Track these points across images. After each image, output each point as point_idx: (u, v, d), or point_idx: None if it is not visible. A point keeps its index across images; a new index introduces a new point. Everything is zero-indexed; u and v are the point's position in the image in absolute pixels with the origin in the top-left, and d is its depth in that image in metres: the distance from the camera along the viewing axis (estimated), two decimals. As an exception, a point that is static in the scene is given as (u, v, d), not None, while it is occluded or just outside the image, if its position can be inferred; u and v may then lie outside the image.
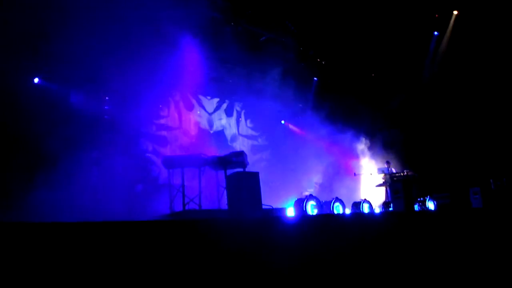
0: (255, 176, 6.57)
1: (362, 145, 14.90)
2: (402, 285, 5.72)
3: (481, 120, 13.20)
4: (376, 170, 12.85)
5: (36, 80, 10.01)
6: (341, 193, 12.30)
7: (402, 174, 11.92)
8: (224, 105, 14.29)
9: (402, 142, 14.06)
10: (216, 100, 14.07)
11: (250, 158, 9.83)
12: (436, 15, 13.67)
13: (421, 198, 11.87)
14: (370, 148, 14.84)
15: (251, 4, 12.22)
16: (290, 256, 5.08)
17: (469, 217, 8.44)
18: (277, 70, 13.41)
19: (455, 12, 13.61)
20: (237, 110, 14.65)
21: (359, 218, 8.05)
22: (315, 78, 15.60)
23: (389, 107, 14.07)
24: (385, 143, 14.52)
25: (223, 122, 14.12)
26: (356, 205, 11.25)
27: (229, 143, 14.00)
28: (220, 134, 13.90)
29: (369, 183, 13.48)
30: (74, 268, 3.63)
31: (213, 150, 12.39)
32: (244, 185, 6.38)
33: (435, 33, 14.38)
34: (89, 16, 9.12)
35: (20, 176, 8.08)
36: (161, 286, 4.04)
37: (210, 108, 13.84)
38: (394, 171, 12.47)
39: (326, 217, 8.15)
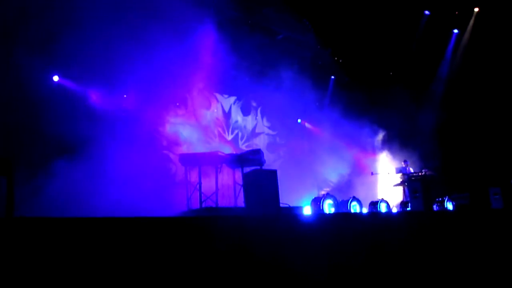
0: (273, 174, 6.54)
1: (379, 138, 14.76)
2: (419, 285, 5.66)
3: (501, 119, 12.97)
4: (394, 170, 12.73)
5: (56, 78, 10.13)
6: (358, 192, 12.21)
7: (420, 173, 11.79)
8: (241, 103, 14.29)
9: (421, 139, 13.92)
10: (233, 98, 14.08)
11: (267, 156, 9.81)
12: (456, 12, 13.47)
13: (440, 199, 11.72)
14: (387, 144, 14.68)
15: (269, 2, 12.22)
16: (307, 254, 5.06)
17: (489, 217, 8.30)
18: (294, 68, 13.37)
19: (476, 10, 13.40)
20: (253, 109, 14.65)
21: (376, 218, 7.98)
22: (332, 77, 15.52)
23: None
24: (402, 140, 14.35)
25: (239, 120, 14.13)
26: (373, 204, 11.16)
27: (246, 141, 14.00)
28: (237, 132, 13.91)
29: (387, 182, 13.36)
30: (87, 263, 3.66)
31: (230, 148, 12.41)
32: (262, 183, 6.36)
33: (455, 31, 14.20)
34: (106, 14, 9.23)
35: (38, 171, 8.19)
36: (177, 282, 4.06)
37: (226, 106, 13.87)
38: (412, 170, 12.34)
39: (343, 216, 8.10)
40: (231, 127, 13.82)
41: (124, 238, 4.01)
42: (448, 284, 5.93)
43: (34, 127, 8.74)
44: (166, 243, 4.21)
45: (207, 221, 5.34)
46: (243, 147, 13.56)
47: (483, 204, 11.64)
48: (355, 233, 5.95)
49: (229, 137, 13.58)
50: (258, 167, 8.46)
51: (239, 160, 8.65)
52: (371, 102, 14.46)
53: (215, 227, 4.86)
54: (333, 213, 9.56)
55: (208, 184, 9.02)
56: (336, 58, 14.87)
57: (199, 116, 12.74)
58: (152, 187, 9.33)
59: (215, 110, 13.48)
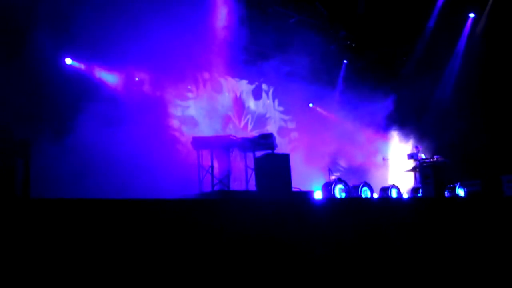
0: (285, 158, 6.55)
1: (392, 120, 14.65)
2: (427, 271, 5.67)
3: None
4: (405, 156, 12.67)
5: (68, 60, 10.19)
6: (370, 178, 12.20)
7: (432, 159, 11.71)
8: (253, 87, 14.26)
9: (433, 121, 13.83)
10: (244, 81, 14.05)
11: (278, 141, 9.79)
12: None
13: (451, 185, 11.66)
14: (399, 126, 14.57)
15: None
16: (318, 238, 5.09)
17: (501, 205, 8.25)
18: (307, 52, 13.26)
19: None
20: (265, 93, 14.61)
21: (387, 203, 7.99)
22: (345, 61, 15.39)
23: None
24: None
25: (251, 104, 14.11)
26: (384, 190, 11.16)
27: (257, 126, 14.00)
28: (249, 116, 13.90)
29: (398, 168, 13.30)
30: (99, 243, 3.72)
31: (242, 132, 12.42)
32: (274, 167, 6.38)
33: (471, 15, 13.96)
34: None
35: (52, 152, 8.27)
36: (190, 263, 4.12)
37: (238, 90, 13.84)
38: (423, 156, 12.27)
39: (353, 201, 8.13)
40: (243, 112, 13.81)
41: (136, 220, 4.07)
42: (457, 272, 5.94)
43: (47, 109, 8.83)
44: (177, 225, 4.26)
45: (219, 204, 5.39)
46: (255, 131, 13.55)
47: (496, 191, 11.57)
48: (365, 217, 5.97)
49: (242, 121, 13.59)
50: (270, 151, 8.46)
51: (251, 144, 8.65)
52: (383, 85, 14.31)
53: (227, 210, 4.91)
54: (344, 198, 9.58)
55: (219, 168, 9.05)
56: (349, 42, 14.71)
57: (211, 100, 12.74)
58: (163, 170, 9.39)
59: (227, 94, 13.46)
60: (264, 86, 14.56)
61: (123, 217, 4.01)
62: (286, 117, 14.92)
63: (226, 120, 13.10)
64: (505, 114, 12.92)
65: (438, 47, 13.92)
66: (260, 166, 6.90)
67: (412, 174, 12.55)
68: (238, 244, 4.49)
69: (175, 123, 11.64)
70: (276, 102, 14.85)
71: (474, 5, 13.63)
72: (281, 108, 14.86)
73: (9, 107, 7.53)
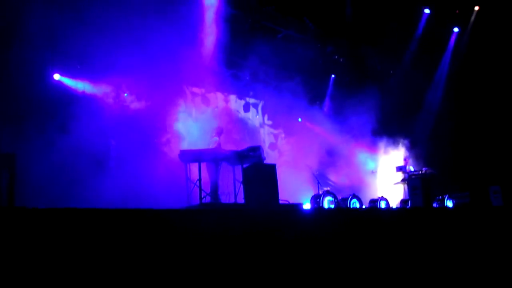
0: (272, 168, 6.57)
1: (382, 143, 14.71)
2: (417, 281, 5.67)
3: (501, 118, 12.99)
4: (394, 168, 12.73)
5: (57, 76, 10.20)
6: (359, 190, 12.23)
7: (420, 172, 11.80)
8: (242, 102, 14.32)
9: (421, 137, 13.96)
10: (233, 96, 14.11)
11: (267, 154, 9.80)
12: (457, 11, 13.50)
13: (440, 197, 11.73)
14: (388, 140, 14.65)
15: (269, 1, 12.27)
16: (304, 248, 5.08)
17: (489, 215, 8.32)
18: (295, 67, 13.38)
19: (476, 8, 13.42)
20: (254, 107, 14.67)
21: (375, 213, 8.00)
22: (333, 75, 15.54)
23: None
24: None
25: (240, 118, 14.14)
26: (373, 202, 11.18)
27: (246, 140, 14.01)
28: (237, 130, 13.92)
29: (387, 180, 13.36)
30: (84, 252, 3.70)
31: (230, 146, 12.44)
32: (261, 177, 6.39)
33: (455, 29, 14.23)
34: (105, 13, 9.31)
35: (41, 165, 8.23)
36: (179, 273, 4.10)
37: (227, 105, 13.89)
38: (412, 169, 12.36)
39: (342, 211, 8.14)
40: (232, 126, 13.82)
41: (126, 230, 4.05)
42: (447, 279, 5.95)
43: (34, 123, 8.81)
44: (165, 236, 4.25)
45: (205, 215, 5.38)
46: (244, 144, 13.56)
47: (483, 202, 11.65)
48: (353, 228, 5.98)
49: (231, 135, 13.58)
50: (258, 164, 8.46)
51: (239, 156, 8.63)
52: (371, 98, 14.45)
53: (213, 220, 4.90)
54: (333, 208, 9.59)
55: (208, 181, 9.03)
56: (336, 57, 14.89)
57: (200, 114, 12.77)
58: (152, 183, 9.37)
59: (216, 108, 13.50)
60: (253, 101, 14.64)
61: (107, 227, 4.00)
62: (276, 131, 14.98)
63: (215, 133, 13.11)
64: (490, 127, 13.11)
65: (424, 60, 14.15)
66: (248, 176, 6.91)
67: (401, 186, 12.60)
68: (225, 254, 4.47)
69: (163, 137, 11.63)
70: (266, 116, 14.92)
71: (458, 20, 13.92)
72: (270, 122, 14.93)
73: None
